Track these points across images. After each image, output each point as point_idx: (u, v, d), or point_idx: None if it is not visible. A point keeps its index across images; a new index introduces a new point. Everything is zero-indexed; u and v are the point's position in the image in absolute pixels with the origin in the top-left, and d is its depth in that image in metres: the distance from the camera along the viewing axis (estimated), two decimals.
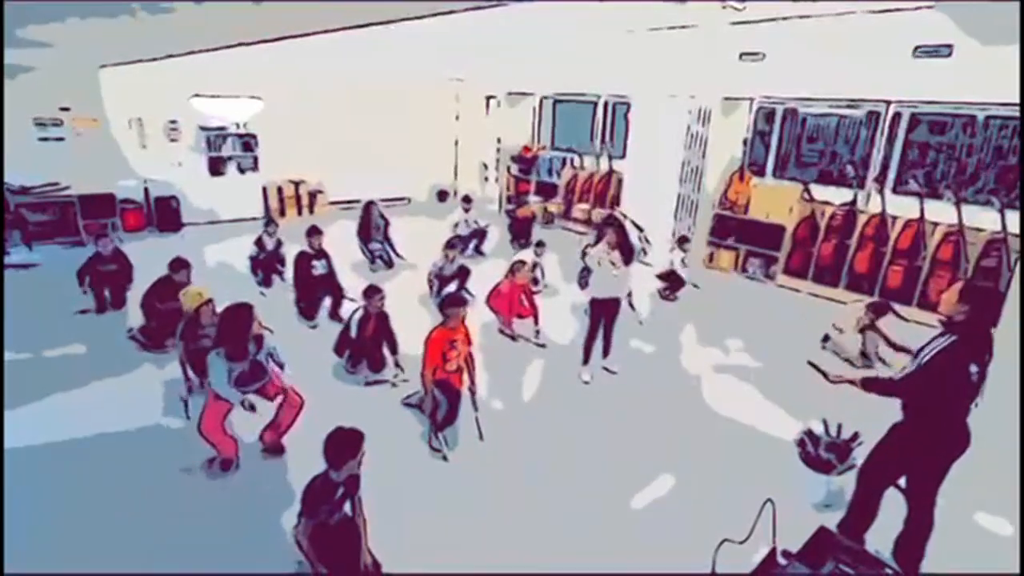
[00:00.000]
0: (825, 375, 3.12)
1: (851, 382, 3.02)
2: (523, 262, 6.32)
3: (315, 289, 6.32)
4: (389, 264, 8.26)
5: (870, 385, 2.98)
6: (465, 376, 4.34)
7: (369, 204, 8.41)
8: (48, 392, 4.55)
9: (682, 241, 7.97)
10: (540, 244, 7.64)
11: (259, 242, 7.21)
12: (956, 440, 2.82)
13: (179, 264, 5.37)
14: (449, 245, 6.89)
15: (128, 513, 3.36)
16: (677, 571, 2.97)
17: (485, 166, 13.47)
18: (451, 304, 4.21)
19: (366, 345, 5.00)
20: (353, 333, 4.97)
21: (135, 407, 4.43)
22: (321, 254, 6.40)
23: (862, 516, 3.13)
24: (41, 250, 8.30)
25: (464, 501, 3.61)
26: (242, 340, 3.59)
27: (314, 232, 6.42)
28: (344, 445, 2.66)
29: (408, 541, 3.14)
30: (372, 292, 4.99)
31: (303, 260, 6.32)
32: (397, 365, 5.03)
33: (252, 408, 4.22)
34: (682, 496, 3.73)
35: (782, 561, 2.25)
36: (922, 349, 2.82)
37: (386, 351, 5.07)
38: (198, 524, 3.31)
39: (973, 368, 2.70)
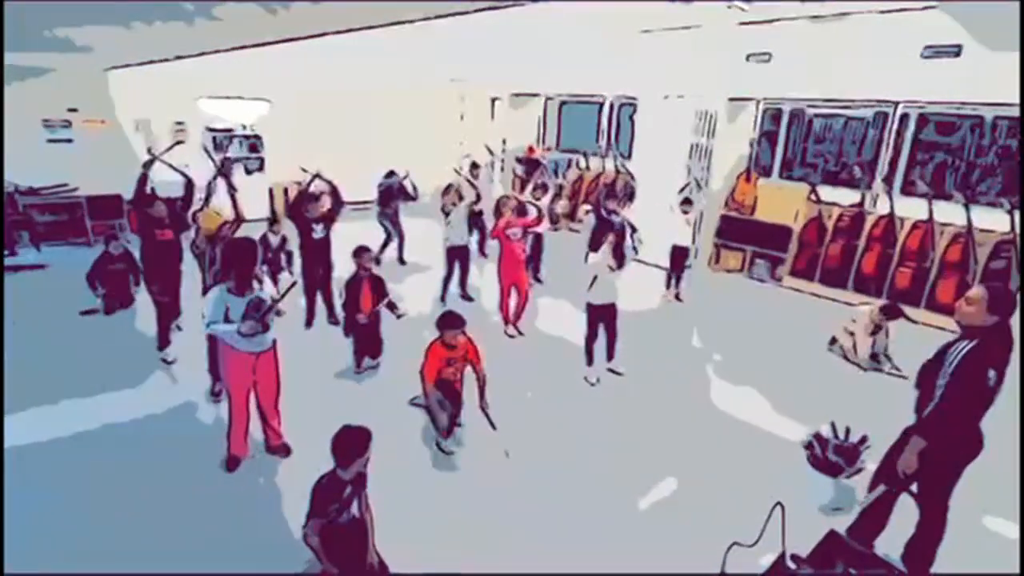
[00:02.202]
0: (890, 490, 2.95)
1: (913, 465, 2.79)
2: (507, 196, 6.70)
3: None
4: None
5: (926, 432, 2.78)
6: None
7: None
8: (52, 391, 4.57)
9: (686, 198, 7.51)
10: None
11: (263, 241, 7.25)
12: (970, 444, 2.79)
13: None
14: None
15: (133, 513, 3.37)
16: (684, 572, 2.96)
17: (490, 167, 13.48)
18: (445, 325, 3.96)
19: (365, 336, 5.02)
20: (343, 298, 4.92)
21: (140, 407, 4.45)
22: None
23: (873, 521, 3.10)
24: (49, 251, 8.36)
25: (470, 501, 3.61)
26: (247, 273, 3.54)
27: (310, 199, 6.34)
28: (352, 443, 2.65)
29: (414, 541, 3.14)
30: (361, 251, 4.91)
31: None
32: (395, 311, 5.05)
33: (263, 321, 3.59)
34: (689, 498, 3.72)
35: (791, 565, 2.24)
36: (945, 354, 2.75)
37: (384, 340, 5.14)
38: (205, 524, 3.31)
39: (992, 373, 2.65)
